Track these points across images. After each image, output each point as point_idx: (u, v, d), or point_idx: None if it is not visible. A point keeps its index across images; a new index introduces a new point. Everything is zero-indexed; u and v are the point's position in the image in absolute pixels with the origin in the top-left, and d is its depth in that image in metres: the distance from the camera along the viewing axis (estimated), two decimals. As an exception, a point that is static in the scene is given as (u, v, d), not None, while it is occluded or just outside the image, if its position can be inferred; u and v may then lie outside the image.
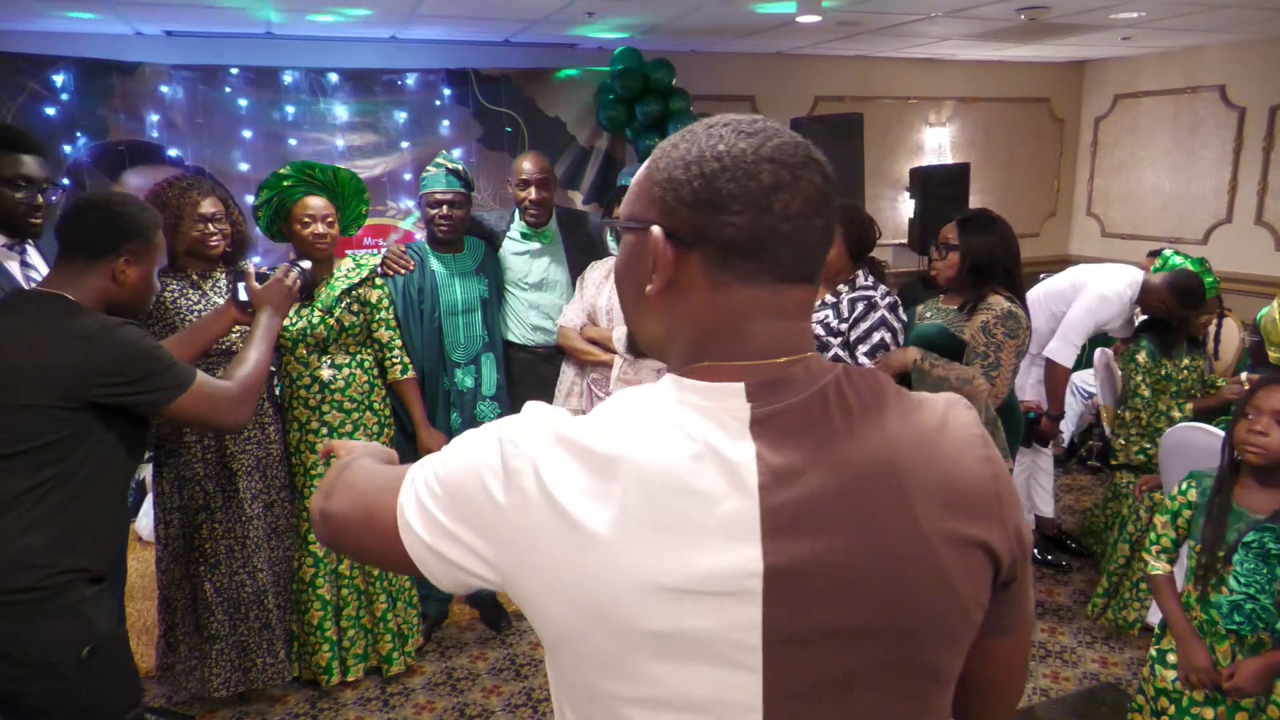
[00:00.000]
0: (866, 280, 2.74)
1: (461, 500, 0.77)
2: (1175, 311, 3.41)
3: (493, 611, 3.45)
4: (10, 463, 1.66)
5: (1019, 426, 2.90)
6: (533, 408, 0.79)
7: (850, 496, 0.71)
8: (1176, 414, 3.41)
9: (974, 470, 0.75)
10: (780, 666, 0.70)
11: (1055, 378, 3.57)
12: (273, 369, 2.88)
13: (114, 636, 1.81)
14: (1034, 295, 3.72)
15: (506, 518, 0.74)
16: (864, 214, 2.85)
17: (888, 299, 2.71)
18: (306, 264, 2.49)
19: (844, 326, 2.69)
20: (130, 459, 1.85)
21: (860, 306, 2.69)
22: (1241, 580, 1.95)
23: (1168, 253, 3.72)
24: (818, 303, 2.93)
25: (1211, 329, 3.95)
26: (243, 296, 2.25)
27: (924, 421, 0.76)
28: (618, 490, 0.70)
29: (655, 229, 0.75)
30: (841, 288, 2.74)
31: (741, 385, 0.72)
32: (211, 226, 2.61)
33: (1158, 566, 2.17)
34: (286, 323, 2.78)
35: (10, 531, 1.66)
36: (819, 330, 2.75)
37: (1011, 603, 0.82)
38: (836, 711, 0.72)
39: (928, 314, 2.83)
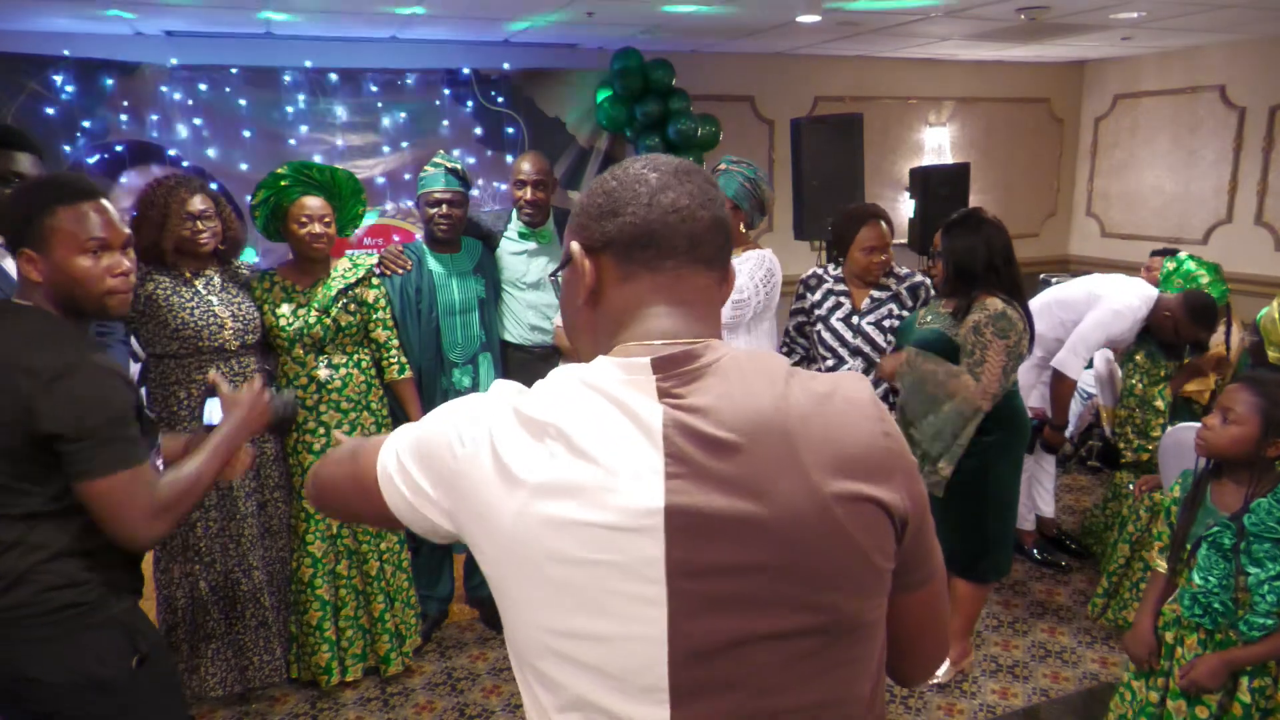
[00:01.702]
0: (902, 269, 3.13)
1: (429, 455, 0.90)
2: (1183, 330, 3.39)
3: (493, 611, 3.45)
4: (21, 486, 1.56)
5: (1024, 431, 2.89)
6: (498, 385, 0.92)
7: (746, 452, 0.79)
8: (1160, 403, 3.41)
9: (863, 433, 0.83)
10: (683, 600, 0.78)
11: (1061, 388, 3.55)
12: (269, 369, 2.88)
13: (160, 645, 1.73)
14: (1043, 300, 3.68)
15: (460, 468, 0.86)
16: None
17: (929, 278, 3.10)
18: (294, 394, 2.32)
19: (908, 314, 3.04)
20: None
21: (921, 292, 3.10)
22: (1201, 574, 2.02)
23: (1183, 255, 3.68)
24: (865, 301, 3.01)
25: (1219, 334, 3.92)
26: (211, 418, 1.90)
27: (815, 389, 0.84)
28: (547, 445, 0.82)
29: (573, 244, 0.92)
30: (888, 280, 3.08)
31: (648, 360, 0.84)
32: (201, 224, 2.61)
33: (1159, 564, 2.19)
34: (283, 322, 2.78)
35: (37, 555, 1.56)
36: (873, 331, 3.04)
37: (917, 557, 0.89)
38: (740, 638, 0.79)
39: (928, 318, 2.83)
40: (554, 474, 0.81)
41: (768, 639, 0.79)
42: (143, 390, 3.61)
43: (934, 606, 0.94)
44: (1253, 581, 1.95)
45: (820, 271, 3.23)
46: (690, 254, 0.89)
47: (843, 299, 3.13)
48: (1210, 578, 1.99)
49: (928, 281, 3.16)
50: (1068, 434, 4.96)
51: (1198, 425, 2.83)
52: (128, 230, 1.67)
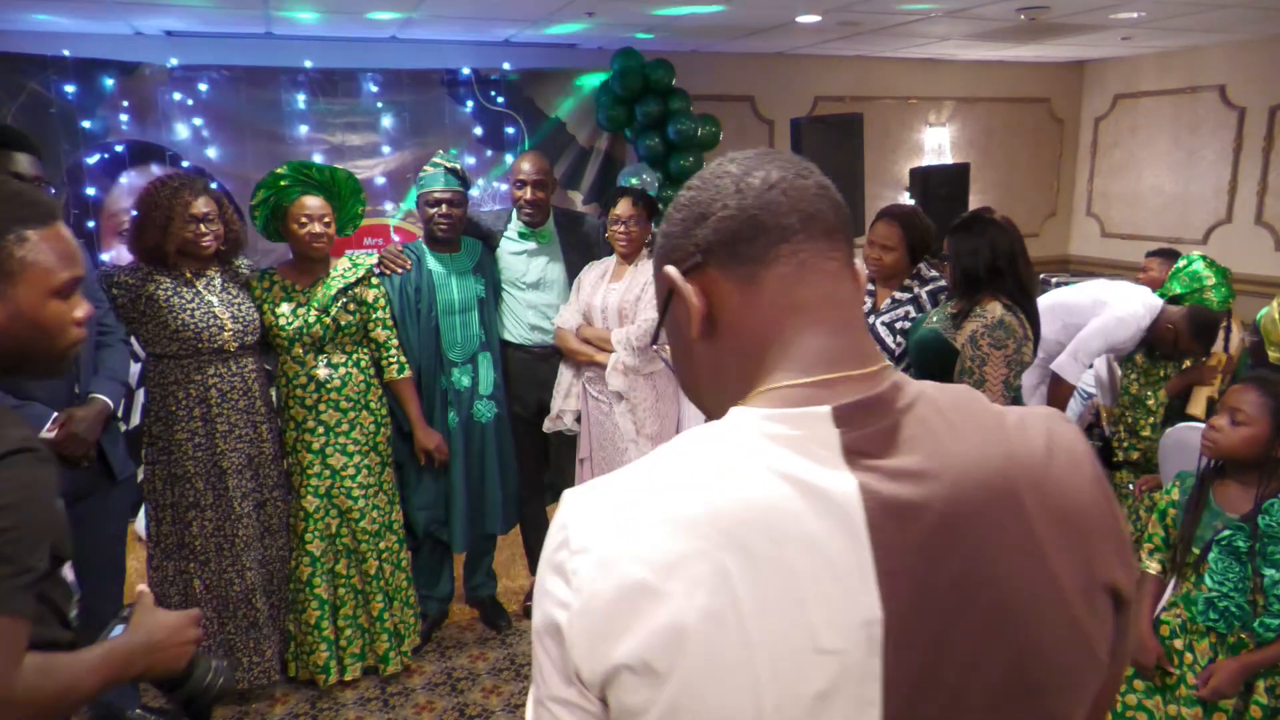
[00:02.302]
0: (930, 272, 3.02)
1: (545, 663, 0.66)
2: (1183, 344, 3.39)
3: (493, 611, 3.44)
4: None
5: None
6: (570, 499, 0.68)
7: (973, 534, 0.64)
8: (1151, 402, 3.41)
9: (1090, 497, 0.69)
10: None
11: (1059, 391, 3.55)
12: (268, 369, 2.88)
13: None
14: (1048, 302, 3.65)
15: (579, 629, 0.63)
16: (924, 218, 3.05)
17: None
18: (231, 673, 2.08)
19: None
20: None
21: (941, 297, 2.95)
22: (1215, 578, 1.99)
23: (1195, 255, 3.67)
24: (886, 301, 3.02)
25: (1219, 339, 3.91)
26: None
27: (1032, 440, 0.69)
28: (708, 551, 0.61)
29: (667, 269, 0.75)
30: (911, 283, 2.99)
31: (827, 409, 0.65)
32: (204, 226, 2.60)
33: (1149, 565, 2.18)
34: (283, 321, 2.78)
35: None
36: (885, 332, 2.95)
37: (1123, 641, 0.74)
38: None
39: (934, 319, 2.76)
40: (729, 595, 0.61)
41: None
42: (141, 391, 3.62)
43: (1112, 694, 0.80)
44: (1268, 583, 1.92)
45: None
46: (807, 230, 0.71)
47: (866, 297, 3.13)
48: (1226, 581, 1.96)
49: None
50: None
51: (1199, 425, 2.84)
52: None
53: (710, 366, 0.75)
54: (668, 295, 0.76)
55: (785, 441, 0.64)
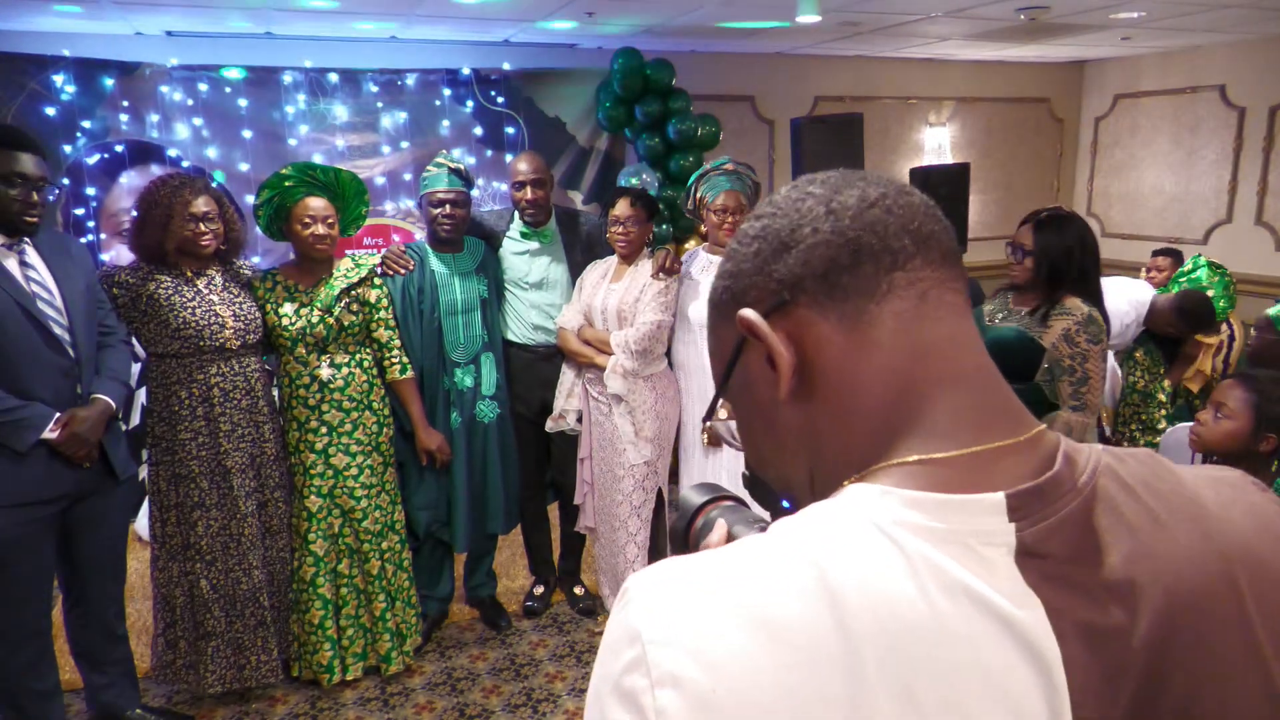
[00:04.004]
0: None
1: None
2: (1185, 333, 3.41)
3: (493, 611, 3.45)
4: None
5: None
6: (642, 591, 0.50)
7: (1188, 654, 0.49)
8: (1162, 395, 3.41)
9: None
10: None
11: None
12: (271, 369, 2.89)
13: None
14: None
15: None
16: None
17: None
18: None
19: None
20: None
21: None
22: None
23: (1202, 259, 3.67)
24: None
25: (1220, 339, 3.91)
26: None
27: (1238, 522, 0.54)
28: (854, 696, 0.45)
29: (744, 312, 0.58)
30: None
31: (1000, 497, 0.49)
32: (203, 225, 2.60)
33: None
34: (286, 322, 2.79)
35: None
36: None
37: None
38: None
39: (998, 316, 2.68)
40: None
41: None
42: (142, 390, 3.62)
43: None
44: None
45: None
46: (924, 254, 0.56)
47: None
48: None
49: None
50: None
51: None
52: None
53: (801, 436, 0.58)
54: (734, 350, 0.60)
55: (935, 538, 0.48)
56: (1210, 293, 3.49)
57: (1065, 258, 2.53)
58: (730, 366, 0.61)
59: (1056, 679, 0.47)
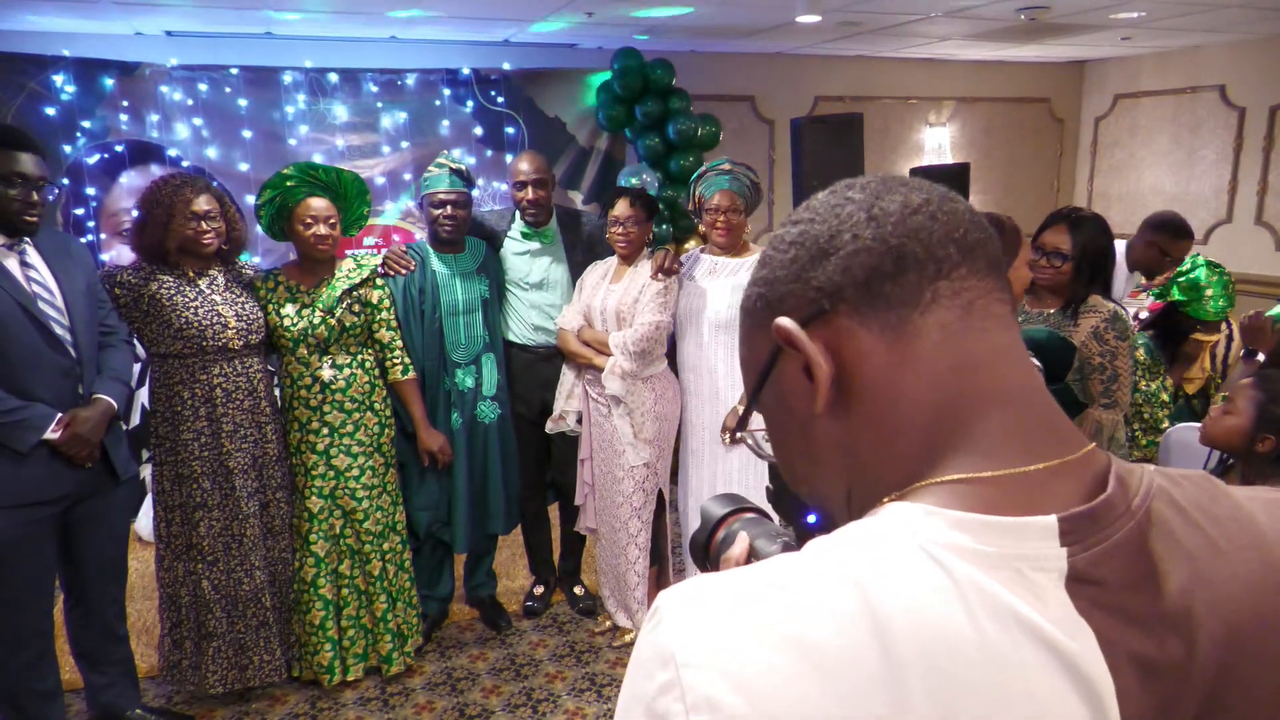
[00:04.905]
0: None
1: None
2: (1170, 250, 3.39)
3: (493, 611, 3.45)
4: None
5: None
6: (674, 611, 0.48)
7: (1246, 689, 0.48)
8: (1165, 395, 3.41)
9: None
10: None
11: None
12: (272, 370, 2.89)
13: None
14: None
15: None
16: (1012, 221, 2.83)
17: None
18: None
19: None
20: None
21: None
22: None
23: (1201, 259, 3.67)
24: None
25: (1220, 341, 3.91)
26: None
27: None
28: (897, 697, 0.43)
29: (780, 321, 0.55)
30: None
31: (1052, 520, 0.47)
32: (205, 224, 2.60)
33: None
34: (288, 322, 2.79)
35: None
36: None
37: None
38: None
39: (1019, 316, 2.67)
40: None
41: None
42: (143, 390, 3.61)
43: None
44: None
45: None
46: (969, 263, 0.54)
47: None
48: None
49: None
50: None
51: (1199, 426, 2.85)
52: None
53: (838, 451, 0.56)
54: (769, 360, 0.57)
55: (983, 562, 0.46)
56: (1209, 292, 3.48)
57: (1103, 256, 2.54)
58: (764, 377, 0.58)
59: (1110, 712, 0.45)
